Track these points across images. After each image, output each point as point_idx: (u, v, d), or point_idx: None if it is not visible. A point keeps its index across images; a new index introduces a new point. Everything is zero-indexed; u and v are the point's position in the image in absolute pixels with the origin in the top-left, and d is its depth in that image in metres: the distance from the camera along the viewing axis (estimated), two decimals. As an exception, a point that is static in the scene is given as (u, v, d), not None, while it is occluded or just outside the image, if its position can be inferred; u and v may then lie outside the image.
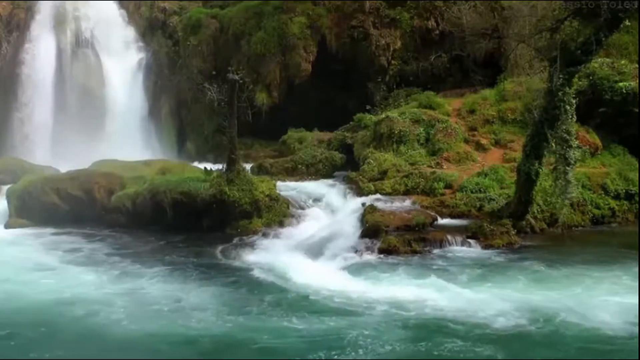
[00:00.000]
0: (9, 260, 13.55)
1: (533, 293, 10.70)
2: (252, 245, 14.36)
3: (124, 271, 12.72)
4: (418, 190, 16.50)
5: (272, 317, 9.92)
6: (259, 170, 19.95)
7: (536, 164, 13.79)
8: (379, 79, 24.50)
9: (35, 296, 11.05)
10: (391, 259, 13.08)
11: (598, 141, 18.00)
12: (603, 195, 16.25)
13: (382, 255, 13.27)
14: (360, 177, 17.55)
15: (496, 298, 10.46)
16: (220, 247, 14.32)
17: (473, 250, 13.58)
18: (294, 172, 20.08)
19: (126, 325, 9.71)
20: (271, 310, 10.25)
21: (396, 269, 12.34)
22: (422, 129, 19.21)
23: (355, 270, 12.41)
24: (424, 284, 11.25)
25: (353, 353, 8.57)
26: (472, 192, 16.04)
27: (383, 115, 20.03)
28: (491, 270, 12.10)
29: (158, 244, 15.02)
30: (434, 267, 12.44)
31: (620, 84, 17.78)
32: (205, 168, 17.87)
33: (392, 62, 24.59)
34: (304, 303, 10.55)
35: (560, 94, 12.98)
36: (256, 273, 12.38)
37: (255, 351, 8.77)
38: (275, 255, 13.42)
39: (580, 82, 16.13)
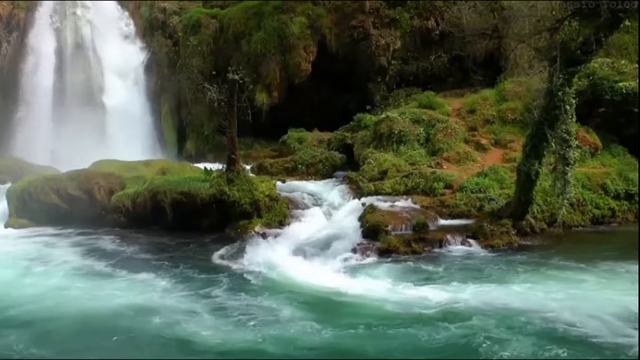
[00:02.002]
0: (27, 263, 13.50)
1: (533, 293, 10.67)
2: (251, 245, 14.34)
3: (124, 271, 12.69)
4: (418, 190, 16.50)
5: (271, 318, 9.87)
6: (259, 170, 19.97)
7: (536, 164, 13.79)
8: (379, 79, 24.51)
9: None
10: (391, 259, 13.09)
11: (598, 141, 17.99)
12: (603, 195, 16.25)
13: (382, 255, 13.27)
14: (360, 177, 17.55)
15: (496, 298, 10.46)
16: (220, 248, 14.30)
17: (473, 250, 13.59)
18: (294, 172, 20.10)
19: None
20: (271, 311, 10.20)
21: (396, 269, 12.36)
22: (422, 129, 19.22)
23: (355, 270, 12.41)
24: (423, 284, 11.26)
25: (350, 354, 8.56)
26: (472, 192, 16.04)
27: (383, 115, 20.04)
28: (491, 270, 12.08)
29: (158, 245, 14.99)
30: (434, 267, 12.43)
31: (620, 84, 17.79)
32: (205, 168, 17.87)
33: (392, 62, 24.60)
34: (304, 303, 10.51)
35: (560, 94, 12.98)
36: (256, 273, 12.36)
37: (254, 352, 8.75)
38: (275, 256, 13.40)
39: (580, 82, 16.14)
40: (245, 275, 12.35)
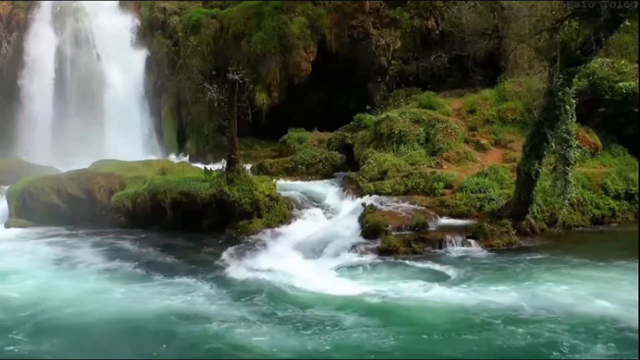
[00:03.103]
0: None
1: (533, 293, 10.67)
2: (252, 246, 14.35)
3: (125, 273, 12.67)
4: (418, 190, 16.49)
5: (270, 319, 9.84)
6: (259, 170, 19.96)
7: (536, 164, 13.79)
8: (379, 79, 24.50)
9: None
10: (391, 259, 13.08)
11: (598, 141, 17.99)
12: (603, 195, 16.25)
13: (382, 255, 13.27)
14: (360, 177, 17.55)
15: (496, 298, 10.46)
16: (220, 248, 14.30)
17: (473, 250, 13.57)
18: (294, 172, 20.09)
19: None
20: (270, 312, 10.17)
21: (396, 269, 12.36)
22: (422, 129, 19.21)
23: (356, 270, 12.41)
24: (423, 284, 11.24)
25: (347, 354, 8.54)
26: (472, 192, 16.03)
27: (383, 115, 20.03)
28: (491, 270, 12.08)
29: (158, 245, 14.95)
30: (434, 267, 12.43)
31: (620, 84, 17.78)
32: (205, 168, 17.86)
33: (392, 62, 24.60)
34: (303, 303, 10.49)
35: (560, 94, 12.98)
36: (256, 274, 12.33)
37: (253, 352, 8.72)
38: (276, 256, 13.42)
39: (580, 82, 16.13)
40: (245, 275, 12.31)
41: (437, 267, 12.42)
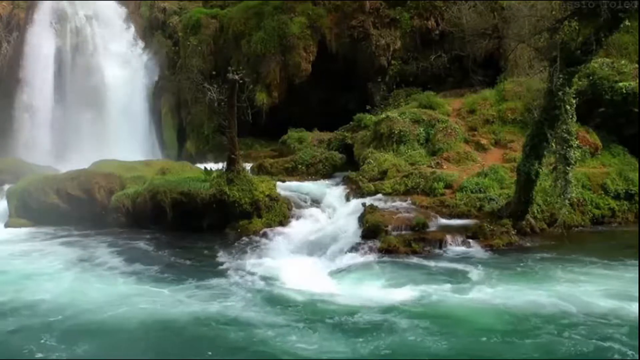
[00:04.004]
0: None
1: (560, 292, 10.62)
2: (252, 246, 14.35)
3: (150, 275, 12.51)
4: (418, 190, 16.49)
5: (270, 320, 9.80)
6: (259, 170, 19.96)
7: (536, 164, 13.79)
8: (379, 79, 24.50)
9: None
10: (391, 259, 13.07)
11: (598, 141, 17.99)
12: (603, 195, 16.25)
13: (382, 255, 13.27)
14: (360, 177, 17.55)
15: (497, 298, 10.46)
16: (220, 248, 14.32)
17: (473, 250, 13.56)
18: (294, 172, 20.08)
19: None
20: (269, 312, 10.14)
21: (396, 269, 12.34)
22: (422, 129, 19.21)
23: (356, 270, 12.40)
24: (423, 285, 11.21)
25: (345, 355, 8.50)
26: (472, 192, 16.03)
27: (383, 115, 20.03)
28: (491, 271, 12.06)
29: (158, 245, 14.97)
30: (434, 267, 12.42)
31: (620, 84, 17.78)
32: (205, 168, 17.87)
33: (392, 62, 24.59)
34: (303, 304, 10.49)
35: (560, 94, 12.98)
36: (256, 274, 12.34)
37: (252, 352, 8.71)
38: (276, 256, 13.42)
39: (580, 82, 16.12)
40: (245, 276, 12.28)
41: (457, 266, 12.33)
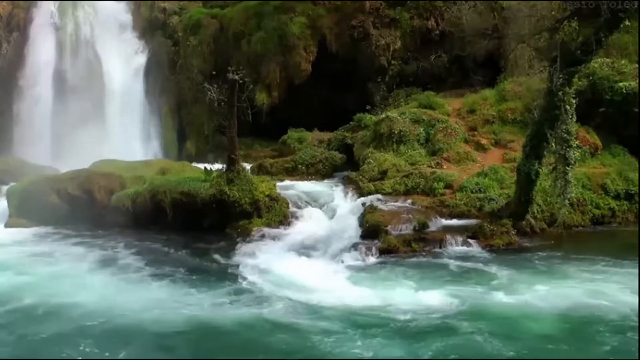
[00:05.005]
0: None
1: (533, 293, 10.68)
2: (252, 246, 14.34)
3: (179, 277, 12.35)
4: (418, 190, 16.50)
5: (269, 320, 9.81)
6: (259, 170, 19.96)
7: (536, 164, 13.79)
8: (379, 79, 24.50)
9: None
10: (391, 259, 13.08)
11: (598, 141, 17.99)
12: (603, 195, 16.24)
13: (382, 256, 13.27)
14: (360, 177, 17.56)
15: (496, 298, 10.46)
16: (220, 248, 14.31)
17: (473, 250, 13.57)
18: (294, 172, 20.08)
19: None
20: (269, 313, 10.14)
21: (396, 269, 12.34)
22: (422, 129, 19.22)
23: (355, 270, 12.41)
24: (423, 285, 11.23)
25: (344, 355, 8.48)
26: (472, 192, 16.04)
27: (383, 115, 20.03)
28: (474, 270, 12.09)
29: (158, 245, 14.95)
30: (434, 267, 12.43)
31: (620, 84, 17.78)
32: (205, 168, 17.86)
33: (392, 62, 24.59)
34: (303, 304, 10.47)
35: (560, 94, 12.97)
36: (256, 274, 12.32)
37: (251, 353, 8.72)
38: (275, 256, 13.41)
39: (580, 82, 16.12)
40: (245, 276, 12.27)
41: (471, 266, 12.31)
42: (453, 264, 12.57)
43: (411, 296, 10.66)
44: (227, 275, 12.36)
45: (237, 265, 12.98)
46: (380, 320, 9.61)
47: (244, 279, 12.03)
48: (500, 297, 10.52)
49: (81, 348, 8.73)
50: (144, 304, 10.48)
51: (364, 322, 9.53)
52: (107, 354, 8.56)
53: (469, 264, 12.49)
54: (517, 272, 11.85)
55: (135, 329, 9.41)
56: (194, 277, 12.19)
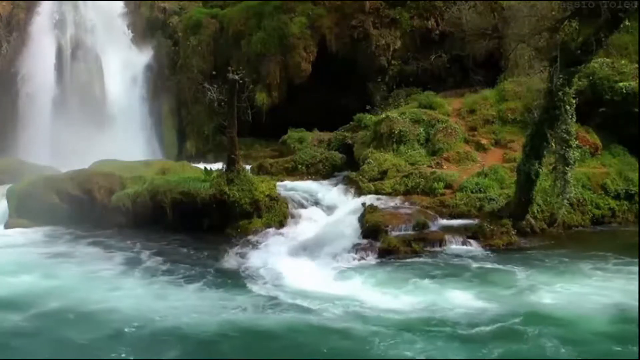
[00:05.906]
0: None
1: (533, 293, 10.67)
2: (252, 246, 14.35)
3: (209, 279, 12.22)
4: (418, 190, 16.49)
5: (269, 320, 9.81)
6: (259, 170, 19.94)
7: (536, 164, 13.79)
8: (379, 79, 24.50)
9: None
10: (391, 260, 13.07)
11: (598, 141, 17.98)
12: (603, 195, 16.24)
13: (382, 256, 13.27)
14: (360, 177, 17.55)
15: (497, 298, 10.46)
16: (220, 248, 14.29)
17: (473, 250, 13.58)
18: (294, 172, 20.07)
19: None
20: (269, 313, 10.13)
21: (396, 269, 12.35)
22: (422, 129, 19.21)
23: (356, 270, 12.40)
24: (424, 285, 11.23)
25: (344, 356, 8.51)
26: (472, 192, 16.03)
27: (383, 115, 20.02)
28: (491, 271, 12.08)
29: (158, 245, 14.93)
30: (434, 267, 12.41)
31: (620, 84, 17.77)
32: (205, 168, 17.86)
33: (392, 62, 24.60)
34: (303, 304, 10.47)
35: (560, 94, 12.98)
36: (256, 274, 12.35)
37: (251, 352, 8.74)
38: (275, 256, 13.41)
39: (580, 82, 16.11)
40: (244, 276, 12.32)
41: (433, 267, 12.28)
42: (462, 264, 12.49)
43: (438, 298, 10.44)
44: (229, 277, 12.34)
45: (238, 267, 12.98)
46: (425, 323, 9.38)
47: (250, 280, 12.01)
48: (537, 299, 10.33)
49: (123, 355, 8.45)
50: (180, 308, 10.17)
51: (408, 325, 9.32)
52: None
53: (487, 264, 12.40)
54: (536, 271, 11.76)
55: (175, 333, 9.15)
56: (235, 281, 11.94)
